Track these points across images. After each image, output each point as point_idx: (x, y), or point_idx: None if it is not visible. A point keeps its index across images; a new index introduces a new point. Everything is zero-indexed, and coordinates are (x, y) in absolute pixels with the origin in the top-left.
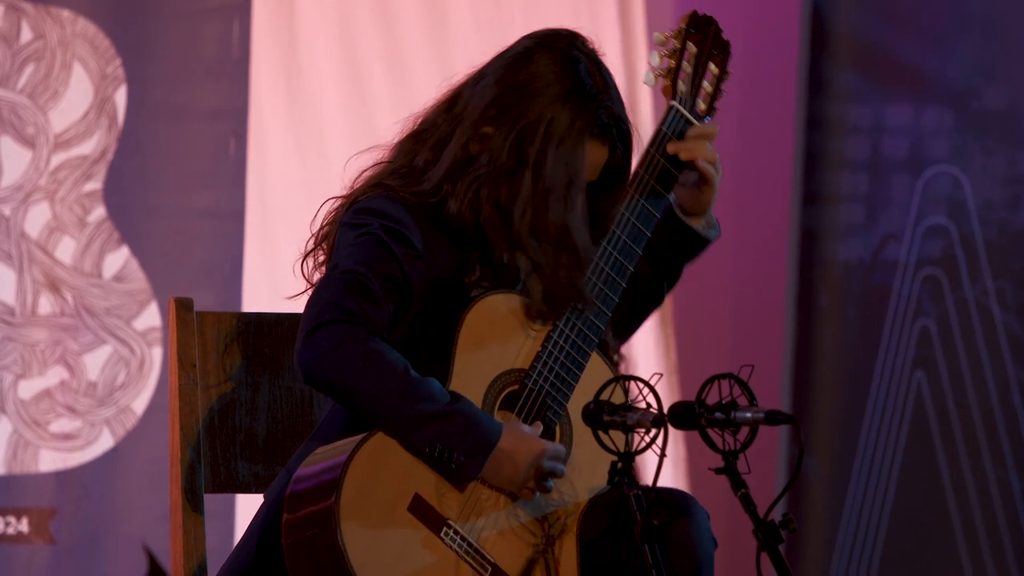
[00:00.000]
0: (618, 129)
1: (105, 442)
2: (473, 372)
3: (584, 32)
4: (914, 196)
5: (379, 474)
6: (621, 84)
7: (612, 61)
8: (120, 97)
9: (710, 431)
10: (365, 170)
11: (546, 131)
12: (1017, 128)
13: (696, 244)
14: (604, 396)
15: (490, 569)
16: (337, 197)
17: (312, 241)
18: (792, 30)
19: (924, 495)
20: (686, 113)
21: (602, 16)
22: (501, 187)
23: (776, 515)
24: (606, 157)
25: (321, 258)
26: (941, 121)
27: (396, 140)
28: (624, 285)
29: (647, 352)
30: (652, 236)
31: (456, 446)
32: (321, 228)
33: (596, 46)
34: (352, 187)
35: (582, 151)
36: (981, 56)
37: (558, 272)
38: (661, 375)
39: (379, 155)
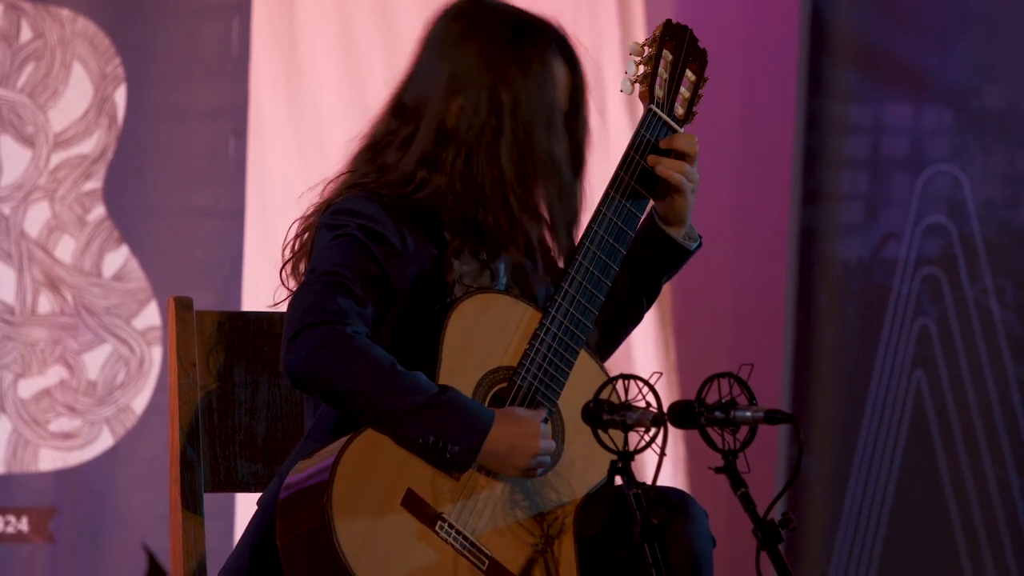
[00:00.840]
0: (565, 47)
1: (105, 441)
2: (461, 372)
3: (583, 33)
4: (914, 195)
5: (370, 471)
6: (620, 84)
7: (612, 61)
8: (120, 96)
9: (710, 430)
10: (330, 181)
11: (511, 78)
12: (1017, 128)
13: (676, 255)
14: (601, 396)
15: (487, 562)
16: (310, 207)
17: (288, 250)
18: (792, 30)
19: (923, 494)
20: (664, 117)
21: (602, 16)
22: (484, 144)
23: (776, 514)
24: (568, 75)
25: (302, 268)
26: (941, 121)
27: (352, 155)
28: (609, 284)
29: (647, 351)
30: (632, 247)
31: (449, 435)
32: (297, 237)
33: None
34: (321, 196)
35: (551, 78)
36: (981, 56)
37: (556, 208)
38: (660, 374)
39: (339, 171)
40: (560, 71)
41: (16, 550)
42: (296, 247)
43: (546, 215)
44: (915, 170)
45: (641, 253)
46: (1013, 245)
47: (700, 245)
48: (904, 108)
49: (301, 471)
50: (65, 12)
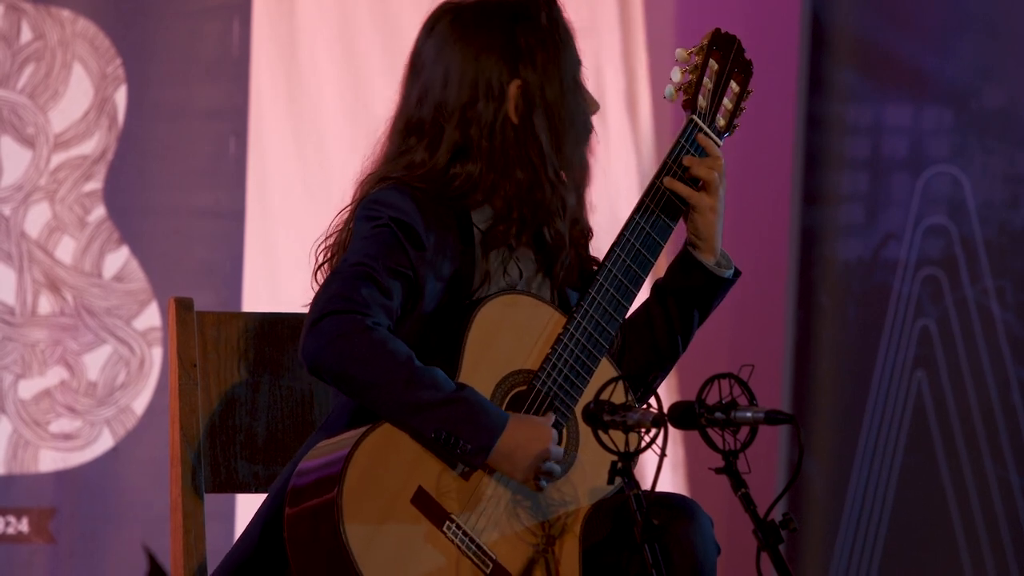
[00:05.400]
0: (555, 7)
1: (105, 442)
2: (481, 372)
3: (583, 34)
4: (914, 196)
5: (382, 467)
6: (621, 86)
7: (612, 63)
8: (120, 97)
9: (710, 431)
10: (361, 179)
11: (528, 54)
12: (1017, 128)
13: (708, 286)
14: (605, 396)
15: (491, 565)
16: (344, 208)
17: (327, 251)
18: (792, 30)
19: (924, 494)
20: (704, 127)
21: (602, 18)
22: (515, 124)
23: (776, 515)
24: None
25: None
26: (941, 121)
27: (381, 148)
28: (637, 292)
29: None
30: (666, 277)
31: (462, 433)
32: (331, 235)
33: None
34: (354, 196)
35: (563, 40)
36: (981, 56)
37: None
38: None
39: (368, 166)
40: (566, 30)
41: (16, 551)
42: (328, 248)
43: (577, 182)
44: (915, 171)
45: (674, 282)
46: (1013, 245)
47: (736, 275)
48: (904, 108)
49: (315, 458)
50: (65, 13)
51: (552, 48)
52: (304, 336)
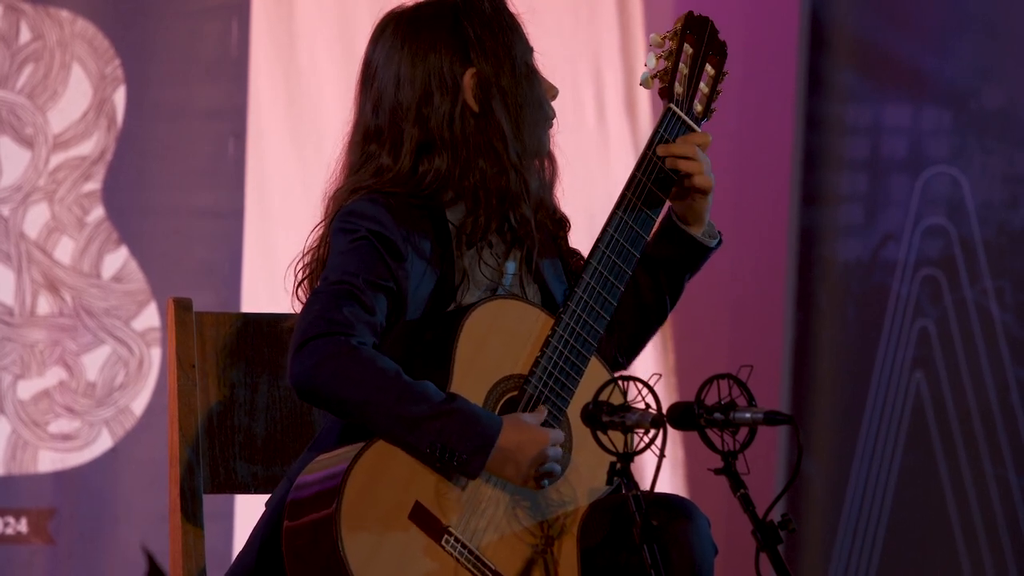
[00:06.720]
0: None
1: (104, 442)
2: (472, 380)
3: (583, 34)
4: (913, 196)
5: (380, 482)
6: (620, 85)
7: (611, 62)
8: (119, 97)
9: (709, 431)
10: (331, 194)
11: (478, 45)
12: (1016, 128)
13: (697, 253)
14: (602, 397)
15: None
16: (318, 224)
17: (305, 269)
18: (791, 30)
19: (923, 495)
20: (683, 116)
21: (601, 17)
22: (476, 114)
23: (775, 515)
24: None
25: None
26: (940, 121)
27: (342, 164)
28: (623, 288)
29: (645, 352)
30: (653, 248)
31: (456, 444)
32: (308, 253)
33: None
34: (325, 212)
35: (510, 26)
36: (980, 56)
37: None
38: (660, 375)
39: (333, 181)
40: (511, 17)
41: (16, 551)
42: (306, 266)
43: (542, 167)
44: (914, 171)
45: (662, 254)
46: (1012, 246)
47: (720, 241)
48: (903, 109)
49: (314, 471)
50: (64, 13)
51: (500, 34)
52: (290, 362)
